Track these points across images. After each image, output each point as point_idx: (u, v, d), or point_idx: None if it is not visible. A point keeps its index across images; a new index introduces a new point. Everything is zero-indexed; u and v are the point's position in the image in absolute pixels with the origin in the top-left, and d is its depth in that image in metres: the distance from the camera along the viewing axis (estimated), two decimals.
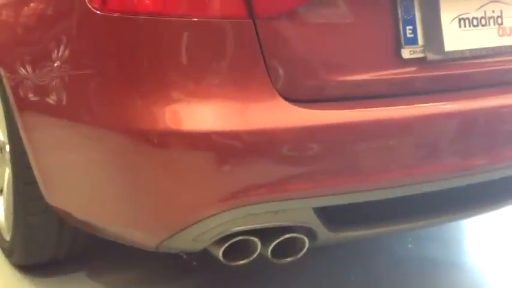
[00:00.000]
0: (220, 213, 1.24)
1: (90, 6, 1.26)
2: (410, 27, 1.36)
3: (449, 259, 1.97)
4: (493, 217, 2.18)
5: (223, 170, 1.23)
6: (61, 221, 1.60)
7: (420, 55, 1.37)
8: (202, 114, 1.23)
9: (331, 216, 1.35)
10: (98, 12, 1.25)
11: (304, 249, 1.37)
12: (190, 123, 1.22)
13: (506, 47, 1.48)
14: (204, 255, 1.42)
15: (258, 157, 1.24)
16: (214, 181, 1.23)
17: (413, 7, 1.36)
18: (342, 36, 1.32)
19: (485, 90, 1.46)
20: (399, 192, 1.39)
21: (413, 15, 1.36)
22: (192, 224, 1.25)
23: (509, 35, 1.48)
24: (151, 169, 1.26)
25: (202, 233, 1.28)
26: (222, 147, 1.23)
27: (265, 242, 1.33)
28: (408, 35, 1.36)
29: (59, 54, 1.36)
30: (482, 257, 2.01)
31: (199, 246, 1.33)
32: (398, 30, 1.35)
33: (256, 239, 1.31)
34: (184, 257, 1.77)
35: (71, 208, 1.49)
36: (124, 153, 1.28)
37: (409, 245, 2.03)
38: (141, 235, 1.36)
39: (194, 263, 1.81)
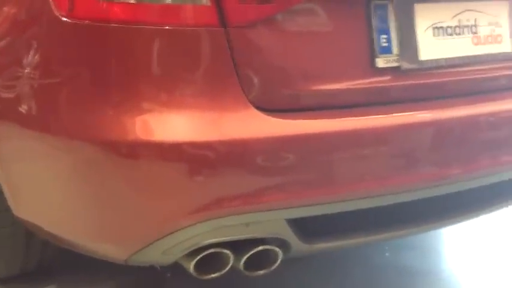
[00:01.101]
0: (190, 226, 1.22)
1: (57, 14, 1.23)
2: (385, 36, 1.35)
3: (427, 267, 1.97)
4: (470, 225, 2.19)
5: (194, 182, 1.20)
6: (29, 233, 1.56)
7: (395, 64, 1.36)
8: (173, 125, 1.20)
9: (304, 227, 1.33)
10: (65, 19, 1.22)
11: (278, 261, 1.35)
12: (161, 134, 1.19)
13: (481, 55, 1.48)
14: (179, 266, 1.39)
15: (230, 168, 1.21)
16: (184, 193, 1.21)
17: (387, 16, 1.35)
18: (316, 45, 1.31)
19: (461, 99, 1.46)
20: (374, 203, 1.38)
21: (388, 24, 1.35)
22: (162, 237, 1.23)
23: (484, 44, 1.48)
24: (120, 181, 1.23)
25: (173, 246, 1.25)
26: (193, 158, 1.20)
27: (237, 255, 1.31)
28: (382, 44, 1.35)
29: (27, 62, 1.32)
30: (459, 265, 2.01)
31: (169, 259, 1.30)
32: (373, 39, 1.34)
33: (228, 252, 1.29)
34: (159, 268, 1.74)
35: (39, 221, 1.45)
36: (93, 164, 1.24)
37: (386, 254, 2.02)
38: (110, 248, 1.32)
39: (168, 275, 1.78)
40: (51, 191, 1.35)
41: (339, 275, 1.88)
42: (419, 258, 2.01)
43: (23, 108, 1.35)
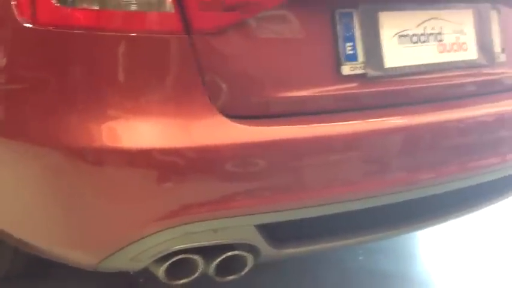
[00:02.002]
0: (158, 232, 1.22)
1: (19, 19, 1.23)
2: (351, 43, 1.37)
3: (400, 271, 1.98)
4: (443, 228, 2.21)
5: (160, 188, 1.21)
6: None
7: (360, 71, 1.38)
8: (139, 131, 1.20)
9: (273, 232, 1.34)
10: (28, 25, 1.22)
11: (248, 267, 1.36)
12: (127, 140, 1.20)
13: (446, 63, 1.50)
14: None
15: (197, 175, 1.22)
16: (151, 200, 1.21)
17: (353, 24, 1.37)
18: (283, 52, 1.32)
19: (427, 106, 1.48)
20: (342, 208, 1.39)
21: (353, 32, 1.37)
22: (130, 244, 1.23)
23: (449, 51, 1.51)
24: (87, 187, 1.23)
25: (141, 253, 1.26)
26: (159, 165, 1.21)
27: (207, 260, 1.31)
28: (348, 52, 1.37)
29: None
30: (433, 269, 2.03)
31: (139, 265, 1.30)
32: (338, 47, 1.36)
33: (197, 257, 1.29)
34: (132, 273, 1.74)
35: (8, 227, 1.44)
36: (59, 171, 1.25)
37: (360, 257, 2.04)
38: (79, 255, 1.32)
39: (141, 280, 1.78)
40: (19, 198, 1.35)
41: (312, 279, 1.89)
42: (393, 262, 2.03)
43: None
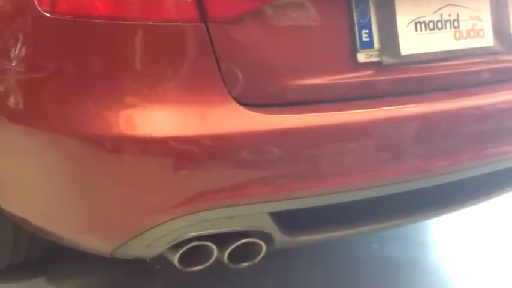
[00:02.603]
0: (174, 219, 1.23)
1: (40, 9, 1.24)
2: (366, 31, 1.36)
3: (414, 259, 1.98)
4: (457, 217, 2.21)
5: (177, 176, 1.21)
6: (17, 226, 1.57)
7: (376, 59, 1.37)
8: (156, 119, 1.21)
9: (287, 220, 1.34)
10: (48, 14, 1.23)
11: (262, 254, 1.37)
12: (144, 128, 1.21)
13: (462, 50, 1.48)
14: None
15: (213, 162, 1.22)
16: (168, 187, 1.22)
17: (368, 11, 1.36)
18: (298, 40, 1.32)
19: (443, 93, 1.47)
20: (356, 196, 1.39)
21: (369, 19, 1.36)
22: (146, 231, 1.24)
23: (465, 38, 1.49)
24: (105, 175, 1.24)
25: (157, 240, 1.27)
26: (176, 153, 1.21)
27: (221, 247, 1.32)
28: (364, 39, 1.36)
29: (10, 56, 1.33)
30: (446, 258, 2.03)
31: (154, 252, 1.31)
32: (354, 34, 1.35)
33: (212, 245, 1.30)
34: (148, 260, 1.76)
35: (26, 214, 1.46)
36: (78, 159, 1.26)
37: (374, 246, 2.04)
38: (95, 241, 1.34)
39: (157, 267, 1.80)
40: (36, 185, 1.37)
41: (326, 267, 1.89)
42: (406, 250, 2.03)
43: (8, 102, 1.36)
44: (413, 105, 1.42)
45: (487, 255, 2.01)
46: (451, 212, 1.72)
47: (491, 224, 2.24)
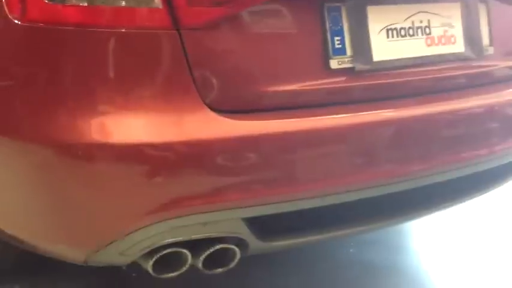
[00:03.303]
0: (147, 226, 1.23)
1: (10, 16, 1.23)
2: (339, 37, 1.38)
3: (391, 263, 2.00)
4: (434, 220, 2.23)
5: (150, 183, 1.21)
6: None
7: (348, 65, 1.38)
8: (129, 126, 1.21)
9: (261, 225, 1.35)
10: (18, 22, 1.22)
11: (236, 259, 1.37)
12: (117, 136, 1.21)
13: (434, 56, 1.51)
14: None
15: (186, 169, 1.23)
16: (140, 194, 1.22)
17: (341, 18, 1.38)
18: (272, 47, 1.33)
19: (415, 99, 1.49)
20: (331, 201, 1.40)
21: (341, 26, 1.38)
22: (119, 238, 1.24)
23: (437, 45, 1.51)
24: (78, 183, 1.24)
25: (130, 247, 1.27)
26: (149, 159, 1.21)
27: (195, 254, 1.32)
28: (336, 46, 1.37)
29: None
30: (423, 261, 2.05)
31: (128, 259, 1.31)
32: (327, 40, 1.36)
33: (186, 251, 1.31)
34: (124, 268, 1.75)
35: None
36: (50, 167, 1.25)
37: (351, 250, 2.05)
38: (68, 250, 1.33)
39: (134, 275, 1.79)
40: (9, 193, 1.35)
41: (303, 271, 1.90)
42: (384, 254, 2.05)
43: None
44: (387, 110, 1.44)
45: (464, 257, 2.04)
46: (427, 214, 1.74)
47: (468, 226, 2.27)
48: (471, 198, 1.76)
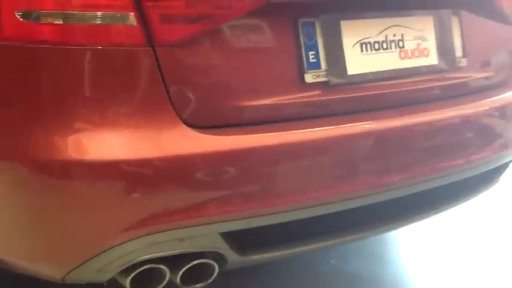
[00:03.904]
0: (124, 243, 1.23)
1: None
2: (313, 52, 1.39)
3: (372, 273, 2.01)
4: (414, 231, 2.25)
5: (127, 199, 1.22)
6: None
7: (323, 79, 1.40)
8: (104, 143, 1.21)
9: (240, 239, 1.36)
10: None
11: (215, 274, 1.37)
12: (93, 153, 1.21)
13: (408, 69, 1.53)
14: None
15: (162, 185, 1.23)
16: (116, 210, 1.22)
17: (315, 33, 1.39)
18: (248, 61, 1.34)
19: (391, 111, 1.50)
20: (310, 214, 1.41)
21: (316, 41, 1.40)
22: (96, 255, 1.24)
23: (410, 58, 1.54)
24: (54, 200, 1.23)
25: (107, 264, 1.26)
26: (126, 176, 1.22)
27: (173, 269, 1.32)
28: (311, 60, 1.39)
29: None
30: (404, 271, 2.06)
31: (106, 276, 1.31)
32: (301, 55, 1.38)
33: (164, 267, 1.31)
34: (105, 284, 1.74)
35: None
36: (25, 184, 1.25)
37: (332, 261, 2.06)
38: (45, 267, 1.32)
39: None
40: None
41: (284, 283, 1.91)
42: (365, 265, 2.06)
43: None
44: (362, 123, 1.45)
45: (448, 266, 2.06)
46: (408, 224, 1.75)
47: (451, 235, 2.29)
48: (450, 208, 1.78)
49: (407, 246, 2.22)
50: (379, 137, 1.46)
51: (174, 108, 1.25)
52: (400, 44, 1.51)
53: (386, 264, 2.10)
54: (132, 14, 1.21)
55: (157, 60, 1.23)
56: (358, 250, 2.13)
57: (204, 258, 1.33)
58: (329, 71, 1.40)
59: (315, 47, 1.39)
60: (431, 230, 2.28)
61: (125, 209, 1.23)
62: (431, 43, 1.57)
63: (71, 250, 1.26)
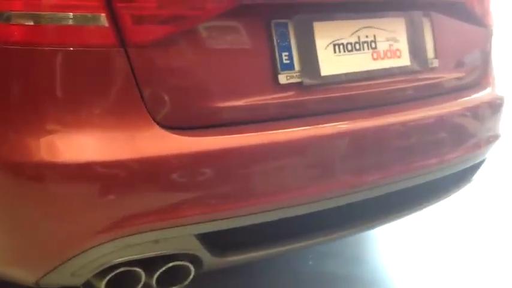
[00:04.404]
0: (98, 245, 1.22)
1: None
2: (286, 53, 1.40)
3: (350, 274, 2.02)
4: (392, 230, 2.27)
5: (99, 202, 1.21)
6: None
7: (297, 80, 1.41)
8: (78, 145, 1.21)
9: (215, 241, 1.36)
10: None
11: (191, 276, 1.37)
12: (66, 154, 1.20)
13: (380, 70, 1.55)
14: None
15: (136, 187, 1.23)
16: (89, 213, 1.21)
17: (288, 34, 1.40)
18: (222, 62, 1.34)
19: (364, 112, 1.52)
20: (284, 214, 1.41)
21: (289, 42, 1.40)
22: (69, 259, 1.23)
23: (383, 59, 1.55)
24: (26, 203, 1.22)
25: (81, 268, 1.25)
26: (100, 178, 1.21)
27: (149, 272, 1.32)
28: (284, 61, 1.39)
29: None
30: (381, 272, 2.08)
31: (80, 280, 1.29)
32: (275, 56, 1.38)
33: (139, 270, 1.30)
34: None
35: None
36: None
37: (310, 262, 2.07)
38: (17, 272, 1.31)
39: None
40: None
41: (262, 283, 1.91)
42: (343, 266, 2.07)
43: None
44: (336, 123, 1.46)
45: (423, 265, 2.07)
46: (380, 225, 1.77)
47: (426, 235, 2.31)
48: (424, 207, 1.80)
49: (385, 246, 2.23)
50: (353, 137, 1.47)
51: (148, 110, 1.24)
52: (373, 45, 1.53)
53: (365, 264, 2.11)
54: (103, 14, 1.20)
55: (129, 61, 1.22)
56: (336, 251, 2.13)
57: (179, 261, 1.33)
58: (302, 72, 1.41)
59: (288, 48, 1.40)
60: (409, 230, 2.30)
61: (98, 212, 1.22)
62: (403, 44, 1.59)
63: (43, 254, 1.25)
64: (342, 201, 1.51)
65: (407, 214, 1.76)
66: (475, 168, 1.84)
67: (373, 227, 1.74)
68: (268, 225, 1.42)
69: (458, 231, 2.35)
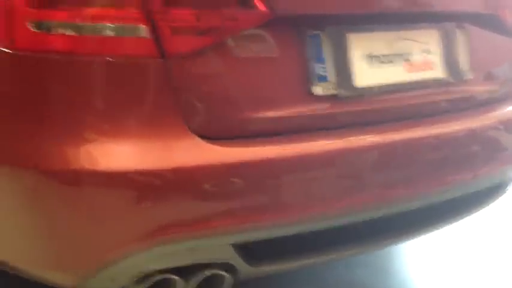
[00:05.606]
0: (135, 253, 1.24)
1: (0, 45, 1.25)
2: (321, 65, 1.41)
3: (377, 285, 2.01)
4: (421, 242, 2.25)
5: (138, 210, 1.23)
6: None
7: (332, 92, 1.42)
8: (115, 154, 1.23)
9: (251, 250, 1.36)
10: (7, 50, 1.24)
11: (226, 285, 1.38)
12: (104, 163, 1.22)
13: (414, 82, 1.55)
14: None
15: (172, 196, 1.24)
16: (128, 221, 1.23)
17: (322, 46, 1.41)
18: (257, 73, 1.36)
19: (397, 124, 1.51)
20: (319, 226, 1.42)
21: (323, 54, 1.41)
22: (108, 266, 1.25)
23: (417, 71, 1.55)
24: (67, 210, 1.25)
25: (120, 274, 1.27)
26: (137, 186, 1.23)
27: (186, 280, 1.33)
28: (319, 73, 1.41)
29: None
30: (411, 284, 2.06)
31: (118, 286, 1.31)
32: (309, 67, 1.40)
33: (177, 278, 1.31)
34: None
35: None
36: (38, 194, 1.26)
37: (338, 270, 2.06)
38: (58, 276, 1.33)
39: None
40: None
41: None
42: (371, 276, 2.05)
43: None
44: (370, 135, 1.46)
45: (450, 278, 2.05)
46: (415, 237, 1.76)
47: (454, 247, 2.28)
48: (457, 220, 1.79)
49: (415, 259, 2.22)
50: (386, 150, 1.47)
51: (185, 119, 1.26)
52: (406, 57, 1.53)
53: (393, 276, 2.09)
54: (143, 26, 1.23)
55: (168, 71, 1.25)
56: (365, 261, 2.12)
57: (215, 269, 1.34)
58: (337, 84, 1.42)
59: (322, 60, 1.41)
60: (437, 242, 2.28)
61: (135, 220, 1.24)
62: (437, 56, 1.59)
63: (83, 260, 1.27)
64: (375, 215, 1.51)
65: (442, 227, 1.75)
66: (508, 180, 1.82)
67: (405, 240, 1.74)
68: (303, 236, 1.42)
69: (489, 244, 2.32)
